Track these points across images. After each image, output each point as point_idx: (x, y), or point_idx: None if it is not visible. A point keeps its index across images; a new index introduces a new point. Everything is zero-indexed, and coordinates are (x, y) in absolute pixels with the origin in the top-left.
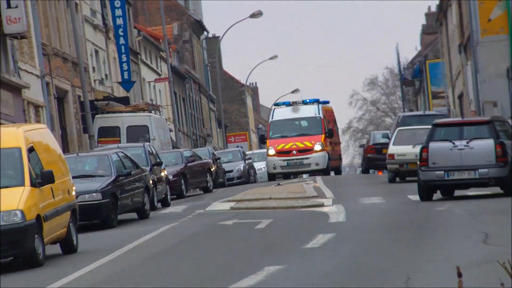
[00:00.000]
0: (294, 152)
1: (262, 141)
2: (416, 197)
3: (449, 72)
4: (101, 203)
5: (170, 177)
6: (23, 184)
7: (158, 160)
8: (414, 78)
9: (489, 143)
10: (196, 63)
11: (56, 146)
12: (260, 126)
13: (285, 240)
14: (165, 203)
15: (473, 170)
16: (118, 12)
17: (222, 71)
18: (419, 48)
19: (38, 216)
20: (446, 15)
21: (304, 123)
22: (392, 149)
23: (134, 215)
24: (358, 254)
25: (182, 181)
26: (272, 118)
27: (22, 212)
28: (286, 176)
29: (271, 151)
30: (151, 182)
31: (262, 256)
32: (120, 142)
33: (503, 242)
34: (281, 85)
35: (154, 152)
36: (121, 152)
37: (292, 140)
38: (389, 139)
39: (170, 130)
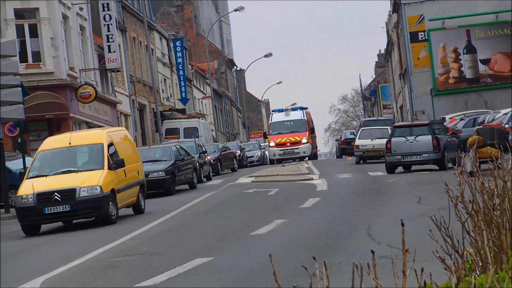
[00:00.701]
0: (288, 144)
1: (265, 136)
2: (374, 173)
3: (393, 91)
4: (164, 179)
5: (211, 161)
6: (102, 168)
7: (204, 149)
8: (371, 96)
9: (428, 137)
10: (229, 86)
11: (131, 142)
12: None
13: (287, 202)
14: (208, 178)
15: (419, 155)
16: (179, 54)
17: (246, 92)
18: (374, 76)
19: (112, 190)
20: (390, 55)
21: (293, 124)
22: (358, 142)
23: (186, 186)
24: (336, 212)
25: (219, 164)
26: (271, 120)
27: (100, 187)
28: (279, 161)
29: (272, 144)
30: (198, 164)
31: (272, 213)
32: (179, 138)
33: (431, 203)
34: (284, 100)
35: (201, 144)
36: (178, 144)
37: (286, 135)
38: (355, 135)
39: (212, 130)
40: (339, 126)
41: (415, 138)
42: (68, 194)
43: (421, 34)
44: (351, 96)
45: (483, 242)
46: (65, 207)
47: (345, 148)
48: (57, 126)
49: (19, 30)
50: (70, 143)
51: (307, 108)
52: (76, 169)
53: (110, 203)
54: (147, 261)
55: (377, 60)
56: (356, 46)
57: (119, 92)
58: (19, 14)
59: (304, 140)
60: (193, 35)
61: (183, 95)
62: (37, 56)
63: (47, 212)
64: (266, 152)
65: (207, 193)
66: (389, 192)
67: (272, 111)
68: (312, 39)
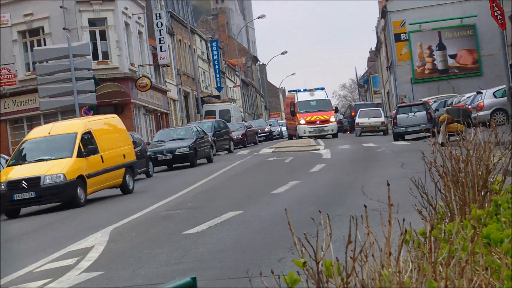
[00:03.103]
0: (318, 122)
1: (293, 114)
2: (367, 144)
3: (382, 80)
4: (189, 153)
5: (239, 136)
6: (71, 156)
7: (226, 128)
8: (364, 84)
9: (424, 113)
10: (254, 77)
11: (119, 128)
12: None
13: (300, 168)
14: (229, 151)
15: (418, 125)
16: (215, 52)
17: (267, 81)
18: (366, 68)
19: (80, 176)
20: (379, 51)
21: (319, 103)
22: (358, 120)
23: (204, 160)
24: (337, 175)
25: (245, 138)
26: (297, 99)
27: (64, 175)
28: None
29: (302, 121)
30: (212, 142)
31: (289, 176)
32: (215, 118)
33: (411, 167)
34: (297, 88)
35: (219, 125)
36: (198, 126)
37: (314, 114)
38: (343, 116)
39: (241, 112)
40: (340, 108)
41: (414, 114)
42: (33, 182)
43: (403, 35)
44: (349, 84)
45: (451, 198)
46: (31, 193)
47: (339, 126)
48: (121, 109)
49: (92, 35)
50: (49, 133)
51: (324, 88)
52: (48, 157)
53: (79, 188)
54: (191, 214)
55: (369, 56)
56: (352, 44)
57: (168, 83)
58: (92, 22)
59: (332, 119)
60: (226, 37)
61: (218, 85)
62: (105, 55)
63: (15, 199)
64: (283, 128)
65: (236, 161)
66: (378, 159)
67: (292, 91)
68: (318, 39)
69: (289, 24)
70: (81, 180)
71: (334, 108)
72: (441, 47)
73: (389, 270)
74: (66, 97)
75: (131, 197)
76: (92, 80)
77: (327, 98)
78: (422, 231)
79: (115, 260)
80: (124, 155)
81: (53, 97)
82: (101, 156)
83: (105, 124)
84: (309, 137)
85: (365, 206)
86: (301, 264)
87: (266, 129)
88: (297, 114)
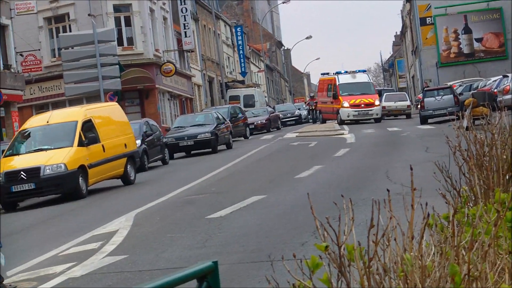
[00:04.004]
0: (362, 105)
1: (335, 97)
2: (392, 129)
3: (407, 64)
4: (210, 139)
5: (264, 121)
6: (71, 145)
7: (242, 115)
8: (389, 68)
9: (451, 96)
10: (278, 62)
11: (120, 117)
12: (312, 94)
13: (324, 152)
14: (245, 137)
15: (445, 109)
16: (239, 37)
17: (291, 66)
18: (391, 52)
19: (82, 166)
20: (405, 36)
21: (362, 86)
22: (384, 103)
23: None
24: (362, 159)
25: (269, 123)
26: (339, 82)
27: (65, 164)
28: (355, 122)
29: (346, 104)
30: (230, 128)
31: (312, 161)
32: (239, 104)
33: (435, 151)
34: (322, 72)
35: (235, 111)
36: (216, 112)
37: (358, 97)
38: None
39: (265, 97)
40: None
41: (441, 97)
42: (33, 173)
43: (429, 19)
44: (374, 68)
45: (475, 182)
46: (30, 185)
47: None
48: (146, 95)
49: (117, 21)
50: (48, 122)
51: (366, 71)
52: (47, 147)
53: (80, 178)
54: (215, 198)
55: (394, 40)
56: (378, 28)
57: (193, 68)
58: (117, 8)
59: (377, 102)
60: (250, 22)
61: (243, 70)
62: (130, 41)
63: (14, 191)
64: (305, 112)
65: (262, 145)
66: (403, 143)
67: (325, 74)
68: (342, 23)
69: (314, 8)
70: (82, 170)
71: (377, 91)
72: (467, 30)
73: (411, 254)
74: (91, 83)
75: (152, 183)
76: (117, 66)
77: (369, 80)
78: (445, 215)
79: (138, 244)
80: (125, 145)
81: (78, 83)
82: (102, 145)
83: (105, 113)
84: (352, 121)
85: (388, 190)
86: (323, 248)
87: (296, 113)
88: (340, 97)
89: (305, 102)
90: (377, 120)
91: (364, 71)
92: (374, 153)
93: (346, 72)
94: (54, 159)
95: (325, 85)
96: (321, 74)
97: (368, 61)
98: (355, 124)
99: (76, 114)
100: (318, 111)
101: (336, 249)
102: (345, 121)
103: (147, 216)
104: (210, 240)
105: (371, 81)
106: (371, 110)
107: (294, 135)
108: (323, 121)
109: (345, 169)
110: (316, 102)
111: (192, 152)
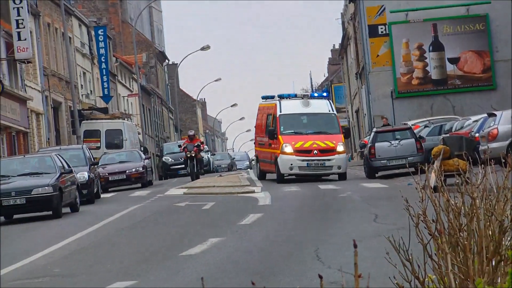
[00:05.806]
0: (315, 152)
1: (272, 136)
2: (325, 186)
3: (349, 93)
4: (53, 195)
5: (139, 169)
6: None
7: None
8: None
9: (412, 141)
10: (159, 83)
11: None
12: (207, 131)
13: (224, 218)
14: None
15: (403, 158)
16: (101, 44)
17: (179, 89)
18: (326, 75)
19: None
20: (346, 51)
21: (319, 119)
22: None
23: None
24: (279, 230)
25: (145, 174)
26: (280, 111)
27: None
28: (301, 178)
29: (288, 149)
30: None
31: (207, 230)
32: (100, 143)
33: (389, 221)
34: (224, 100)
35: (90, 154)
36: (59, 154)
37: (310, 138)
38: None
39: (139, 133)
40: None
41: (398, 142)
42: None
43: (381, 28)
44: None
45: (447, 268)
46: None
47: None
48: None
49: None
50: None
51: (328, 96)
52: None
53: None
54: (58, 284)
55: (330, 57)
56: (306, 39)
57: (30, 87)
58: None
59: (340, 148)
60: (119, 22)
61: (106, 92)
62: None
63: None
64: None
65: (131, 206)
66: (341, 208)
67: (268, 97)
68: (256, 30)
69: (213, 6)
70: None
71: (343, 130)
72: (437, 46)
73: None
74: None
75: None
76: None
77: (331, 111)
78: None
79: None
80: None
81: None
82: None
83: None
84: (298, 175)
85: (321, 277)
86: None
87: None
88: (280, 137)
89: (179, 146)
90: (341, 177)
91: (324, 95)
92: (299, 222)
93: (294, 95)
94: None
95: (264, 116)
96: (262, 97)
97: (293, 87)
98: (280, 182)
99: None
100: (254, 158)
101: None
102: (286, 177)
103: None
104: None
105: (334, 111)
106: (329, 159)
107: (181, 192)
108: (262, 175)
109: (256, 244)
110: (198, 145)
111: (19, 216)
